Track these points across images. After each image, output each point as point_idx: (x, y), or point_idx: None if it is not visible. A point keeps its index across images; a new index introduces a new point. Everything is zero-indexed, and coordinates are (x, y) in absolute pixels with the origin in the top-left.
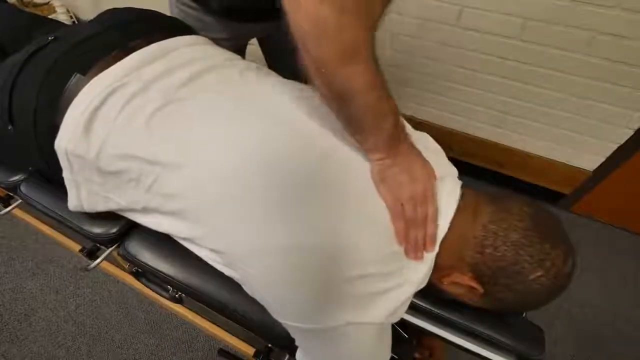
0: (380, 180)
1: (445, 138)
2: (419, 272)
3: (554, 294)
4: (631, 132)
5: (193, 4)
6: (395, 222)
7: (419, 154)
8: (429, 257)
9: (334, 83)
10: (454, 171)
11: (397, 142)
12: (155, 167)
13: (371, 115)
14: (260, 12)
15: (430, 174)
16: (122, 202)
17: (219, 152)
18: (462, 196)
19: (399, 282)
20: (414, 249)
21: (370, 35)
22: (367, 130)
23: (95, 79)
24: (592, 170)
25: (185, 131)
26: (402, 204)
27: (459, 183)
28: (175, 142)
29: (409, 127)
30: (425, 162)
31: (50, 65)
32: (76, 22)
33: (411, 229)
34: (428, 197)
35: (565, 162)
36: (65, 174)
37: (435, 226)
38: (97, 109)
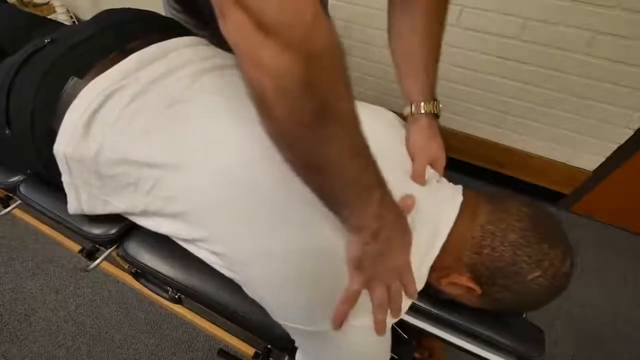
0: (356, 267)
1: (445, 138)
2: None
3: (552, 295)
4: (631, 132)
5: (178, 7)
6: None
7: (403, 231)
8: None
9: (303, 150)
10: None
11: (383, 224)
12: (155, 171)
13: (352, 189)
14: None
15: (407, 253)
16: (121, 206)
17: (222, 154)
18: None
19: None
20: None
21: (348, 88)
22: (347, 207)
23: (93, 82)
24: (592, 170)
25: (187, 133)
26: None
27: (459, 188)
28: (176, 144)
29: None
30: (405, 242)
31: (47, 68)
32: (76, 22)
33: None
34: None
35: (565, 162)
36: (64, 178)
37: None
38: (95, 112)
